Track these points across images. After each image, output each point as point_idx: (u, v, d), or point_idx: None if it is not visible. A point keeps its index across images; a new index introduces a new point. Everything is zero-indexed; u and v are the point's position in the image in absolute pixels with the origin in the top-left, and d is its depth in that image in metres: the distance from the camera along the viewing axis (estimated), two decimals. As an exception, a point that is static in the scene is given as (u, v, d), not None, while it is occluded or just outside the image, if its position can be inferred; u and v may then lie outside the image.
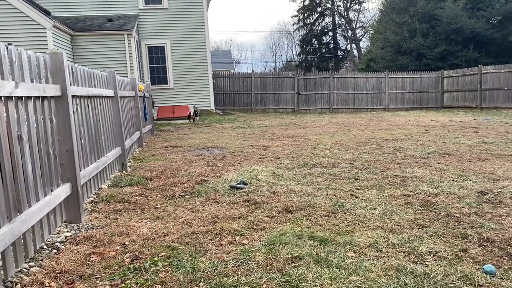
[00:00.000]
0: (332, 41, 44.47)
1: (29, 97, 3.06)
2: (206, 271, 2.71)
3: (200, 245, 3.19)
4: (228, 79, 22.06)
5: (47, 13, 12.94)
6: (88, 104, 4.77)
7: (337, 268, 2.72)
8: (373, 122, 14.20)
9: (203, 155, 7.66)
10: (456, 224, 3.53)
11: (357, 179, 5.30)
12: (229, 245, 3.17)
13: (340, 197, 4.44)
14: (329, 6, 43.45)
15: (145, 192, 4.91)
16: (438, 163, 6.24)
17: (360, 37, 45.53)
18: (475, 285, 2.49)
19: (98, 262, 2.89)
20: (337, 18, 44.34)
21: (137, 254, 3.02)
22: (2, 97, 2.66)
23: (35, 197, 3.06)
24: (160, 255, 2.99)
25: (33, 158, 3.06)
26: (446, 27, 23.55)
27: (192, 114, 14.71)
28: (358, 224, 3.58)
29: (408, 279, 2.55)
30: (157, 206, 4.32)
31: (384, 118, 15.85)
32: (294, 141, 9.36)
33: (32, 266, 2.81)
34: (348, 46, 45.80)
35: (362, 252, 2.98)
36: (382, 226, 3.52)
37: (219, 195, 4.65)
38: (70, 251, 3.08)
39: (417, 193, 4.54)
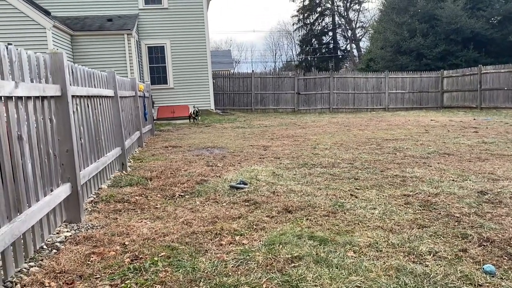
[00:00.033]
0: (332, 41, 44.48)
1: (29, 97, 3.06)
2: (206, 271, 2.71)
3: (200, 245, 3.19)
4: (228, 79, 22.06)
5: (47, 13, 12.93)
6: (88, 104, 4.77)
7: (337, 268, 2.72)
8: (373, 122, 14.21)
9: (203, 155, 7.66)
10: (456, 224, 3.54)
11: (357, 179, 5.30)
12: (229, 245, 3.18)
13: (340, 197, 4.44)
14: (329, 6, 43.45)
15: (145, 192, 4.91)
16: (438, 163, 6.24)
17: (360, 37, 45.57)
18: (475, 285, 2.49)
19: (98, 262, 2.89)
20: (337, 18, 44.37)
21: (137, 254, 3.02)
22: (2, 97, 2.66)
23: (35, 197, 3.06)
24: (160, 255, 2.99)
25: (33, 158, 3.06)
26: (446, 27, 23.56)
27: (192, 114, 14.67)
28: (358, 224, 3.58)
29: (408, 279, 2.55)
30: (157, 206, 4.32)
31: (384, 118, 15.85)
32: (294, 141, 9.36)
33: (32, 266, 2.81)
34: (348, 46, 45.82)
35: (362, 252, 2.98)
36: (382, 226, 3.52)
37: (219, 195, 4.65)
38: (70, 251, 3.08)
39: (417, 193, 4.54)
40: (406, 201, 4.23)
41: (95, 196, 4.69)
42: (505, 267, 2.71)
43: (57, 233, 3.46)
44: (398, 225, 3.53)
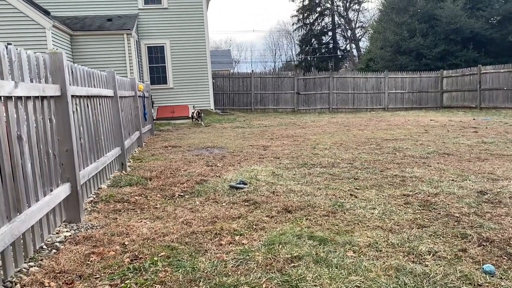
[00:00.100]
0: (332, 41, 44.47)
1: (28, 97, 3.06)
2: (205, 271, 2.71)
3: (199, 245, 3.19)
4: (228, 79, 22.06)
5: (46, 13, 12.93)
6: (87, 104, 4.77)
7: (336, 268, 2.72)
8: (372, 122, 14.21)
9: (203, 155, 7.66)
10: (455, 224, 3.54)
11: (356, 179, 5.30)
12: (229, 245, 3.18)
13: (339, 197, 4.44)
14: (329, 6, 43.44)
15: (144, 192, 4.91)
16: (438, 163, 6.25)
17: (360, 37, 45.57)
18: (474, 285, 2.49)
19: (97, 262, 2.89)
20: (336, 18, 44.36)
21: (136, 254, 3.02)
22: (2, 97, 2.66)
23: (35, 197, 3.06)
24: (159, 255, 2.99)
25: (32, 158, 3.06)
26: (445, 27, 23.56)
27: (195, 115, 14.53)
28: (358, 224, 3.58)
29: (407, 279, 2.55)
30: (156, 206, 4.32)
31: (383, 118, 15.85)
32: (293, 141, 9.36)
33: (32, 266, 2.81)
34: (348, 46, 45.82)
35: (362, 252, 2.98)
36: (382, 226, 3.52)
37: (218, 195, 4.65)
38: (70, 251, 3.08)
39: (417, 193, 4.54)
40: (406, 201, 4.24)
41: (94, 196, 4.69)
42: (505, 267, 2.71)
43: (57, 233, 3.46)
44: (397, 225, 3.53)
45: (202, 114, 14.80)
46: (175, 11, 17.82)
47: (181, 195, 4.73)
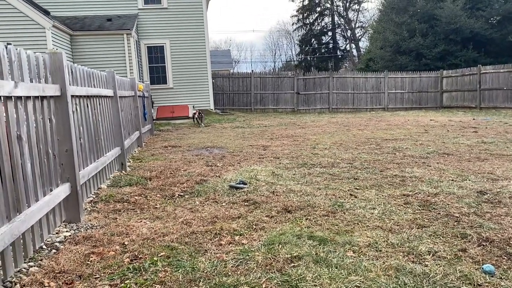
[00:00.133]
0: (332, 41, 44.48)
1: (28, 97, 3.06)
2: (205, 271, 2.71)
3: (199, 245, 3.19)
4: (228, 79, 22.05)
5: (46, 12, 12.92)
6: (87, 104, 4.77)
7: (336, 268, 2.72)
8: (372, 122, 14.21)
9: (203, 155, 7.66)
10: (455, 224, 3.54)
11: (356, 179, 5.31)
12: (229, 245, 3.18)
13: (339, 197, 4.44)
14: (329, 6, 43.44)
15: (144, 192, 4.90)
16: (438, 163, 6.25)
17: (360, 37, 45.57)
18: (474, 285, 2.49)
19: (97, 262, 2.89)
20: (336, 18, 44.36)
21: (136, 254, 3.02)
22: (2, 97, 2.66)
23: (35, 197, 3.06)
24: (159, 255, 2.99)
25: (32, 158, 3.06)
26: (445, 27, 23.57)
27: (197, 116, 14.40)
28: (358, 224, 3.58)
29: (407, 279, 2.55)
30: (156, 206, 4.32)
31: (383, 118, 15.86)
32: (293, 141, 9.36)
33: (32, 266, 2.80)
34: (348, 46, 45.82)
35: (362, 252, 2.98)
36: (382, 226, 3.52)
37: (218, 195, 4.65)
38: (70, 251, 3.08)
39: (417, 193, 4.54)
40: (406, 201, 4.24)
41: (94, 196, 4.69)
42: (504, 266, 2.72)
43: (57, 233, 3.46)
44: (397, 225, 3.53)
45: (203, 115, 14.75)
46: (175, 11, 17.82)
47: (181, 195, 4.73)
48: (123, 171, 6.17)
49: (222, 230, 3.47)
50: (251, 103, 21.79)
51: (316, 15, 43.50)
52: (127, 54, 15.35)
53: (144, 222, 3.79)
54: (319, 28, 44.00)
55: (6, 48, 2.73)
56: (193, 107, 17.60)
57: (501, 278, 2.57)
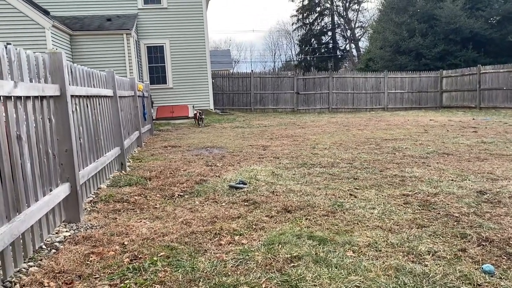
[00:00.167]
0: (331, 41, 44.47)
1: (28, 97, 3.06)
2: (205, 271, 2.71)
3: (199, 245, 3.19)
4: (227, 79, 22.05)
5: (46, 12, 12.92)
6: (87, 104, 4.77)
7: (336, 267, 2.72)
8: (372, 122, 14.21)
9: (202, 155, 7.66)
10: (455, 223, 3.54)
11: (356, 178, 5.31)
12: (228, 245, 3.18)
13: (339, 197, 4.44)
14: (328, 6, 43.44)
15: (144, 192, 4.90)
16: (437, 163, 6.25)
17: (359, 37, 45.58)
18: (474, 285, 2.49)
19: (97, 262, 2.89)
20: (336, 18, 44.35)
21: (136, 254, 3.02)
22: (1, 97, 2.66)
23: (34, 197, 3.06)
24: (159, 255, 2.99)
25: (32, 158, 3.06)
26: (445, 27, 23.57)
27: (198, 116, 14.28)
28: (357, 223, 3.58)
29: (407, 279, 2.55)
30: (156, 206, 4.32)
31: (383, 118, 15.86)
32: (293, 141, 9.36)
33: (31, 266, 2.80)
34: (347, 46, 45.83)
35: (361, 251, 2.98)
36: (381, 225, 3.52)
37: (218, 195, 4.65)
38: (69, 251, 3.07)
39: (416, 192, 4.54)
40: (405, 201, 4.24)
41: (94, 196, 4.69)
42: (504, 266, 2.72)
43: (56, 233, 3.46)
44: (397, 225, 3.53)
45: (202, 114, 14.70)
46: (175, 11, 17.81)
47: (180, 195, 4.73)
48: (123, 171, 6.17)
49: (222, 230, 3.47)
50: (250, 103, 21.78)
51: (316, 15, 43.50)
52: (126, 54, 15.34)
53: (144, 222, 3.79)
54: (318, 28, 44.00)
55: (6, 48, 2.72)
56: (193, 107, 17.60)
57: (500, 278, 2.57)
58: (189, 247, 3.13)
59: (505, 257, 2.85)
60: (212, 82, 19.41)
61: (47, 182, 3.34)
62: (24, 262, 2.83)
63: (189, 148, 8.55)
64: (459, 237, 3.24)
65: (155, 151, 8.26)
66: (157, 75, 18.10)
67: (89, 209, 4.24)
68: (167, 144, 9.23)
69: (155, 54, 18.01)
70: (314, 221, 3.66)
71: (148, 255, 2.98)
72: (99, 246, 3.17)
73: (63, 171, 3.70)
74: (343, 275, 2.61)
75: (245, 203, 4.29)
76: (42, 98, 3.37)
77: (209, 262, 2.84)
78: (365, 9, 72.47)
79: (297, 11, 43.75)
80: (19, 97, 2.90)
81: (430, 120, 14.38)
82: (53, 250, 3.11)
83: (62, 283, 2.60)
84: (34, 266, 2.82)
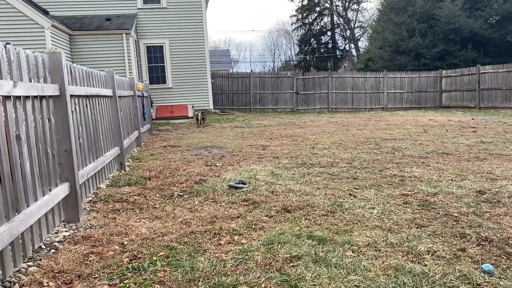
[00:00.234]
0: (331, 41, 44.48)
1: (27, 97, 3.06)
2: (204, 271, 2.71)
3: (198, 244, 3.19)
4: (227, 78, 22.05)
5: (45, 12, 12.91)
6: (86, 104, 4.77)
7: (335, 267, 2.72)
8: (371, 121, 14.22)
9: (202, 154, 7.66)
10: (454, 223, 3.54)
11: (355, 178, 5.31)
12: (228, 244, 3.17)
13: (338, 197, 4.44)
14: (328, 5, 43.45)
15: (143, 191, 4.90)
16: (437, 162, 6.25)
17: (359, 37, 45.59)
18: (473, 285, 2.49)
19: (96, 262, 2.89)
20: (335, 18, 44.36)
21: (135, 253, 3.02)
22: (0, 97, 2.65)
23: (34, 196, 3.06)
24: (158, 254, 2.99)
25: (31, 157, 3.06)
26: (444, 27, 23.58)
27: (200, 117, 14.11)
28: (357, 223, 3.59)
29: (406, 279, 2.56)
30: (155, 206, 4.32)
31: (382, 118, 15.86)
32: (292, 140, 9.36)
33: (31, 266, 2.80)
34: (347, 46, 45.83)
35: (361, 251, 2.98)
36: (381, 225, 3.52)
37: (217, 195, 4.65)
38: (69, 250, 3.07)
39: (416, 192, 4.54)
40: (405, 201, 4.24)
41: (93, 196, 4.68)
42: (504, 266, 2.72)
43: (56, 232, 3.46)
44: (396, 225, 3.53)
45: (205, 113, 14.51)
46: (174, 10, 17.81)
47: (180, 195, 4.73)
48: (122, 171, 6.17)
49: (221, 230, 3.47)
50: (250, 103, 21.78)
51: (315, 15, 43.50)
52: (126, 54, 15.34)
53: (143, 222, 3.79)
54: (318, 28, 44.01)
55: (5, 47, 2.72)
56: (192, 106, 17.60)
57: (500, 277, 2.57)
58: (189, 247, 3.13)
59: (505, 257, 2.86)
60: (212, 82, 19.41)
61: (46, 182, 3.34)
62: (24, 262, 2.83)
63: (188, 148, 8.55)
64: (458, 236, 3.24)
65: (154, 151, 8.26)
66: (157, 75, 18.09)
67: (88, 209, 4.24)
68: (167, 144, 9.23)
69: (155, 54, 18.00)
70: (314, 221, 3.66)
71: (148, 255, 2.98)
72: (98, 246, 3.16)
73: (62, 171, 3.70)
74: (342, 275, 2.61)
75: (245, 203, 4.29)
76: (42, 98, 3.36)
77: (208, 262, 2.84)
78: (365, 9, 72.40)
79: (296, 11, 43.78)
80: (18, 97, 2.90)
81: (430, 120, 14.38)
82: (53, 250, 3.11)
83: (61, 283, 2.59)
84: (33, 266, 2.81)
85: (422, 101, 22.17)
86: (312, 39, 44.05)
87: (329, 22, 44.11)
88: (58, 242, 3.27)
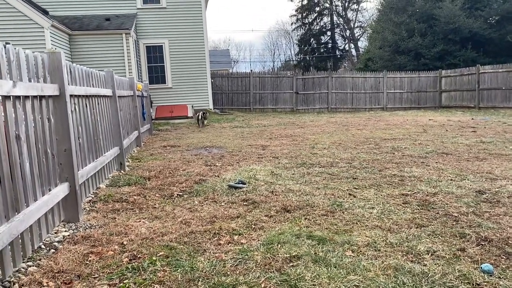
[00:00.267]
0: (331, 41, 44.48)
1: (27, 97, 3.06)
2: (204, 271, 2.71)
3: (198, 244, 3.19)
4: (227, 78, 22.05)
5: (45, 12, 12.90)
6: (86, 104, 4.76)
7: (335, 267, 2.72)
8: (371, 121, 14.22)
9: (202, 154, 7.66)
10: (454, 223, 3.54)
11: (355, 178, 5.31)
12: (228, 244, 3.17)
13: (338, 197, 4.44)
14: (327, 5, 43.46)
15: (143, 191, 4.90)
16: (436, 162, 6.26)
17: (358, 37, 45.60)
18: (473, 284, 2.49)
19: (96, 262, 2.88)
20: (335, 18, 44.37)
21: (135, 253, 3.02)
22: (0, 96, 2.65)
23: (33, 196, 3.06)
24: (158, 254, 2.99)
25: (31, 157, 3.05)
26: (444, 26, 23.58)
27: (201, 117, 14.05)
28: (356, 223, 3.59)
29: (406, 278, 2.56)
30: (155, 206, 4.31)
31: (382, 118, 15.87)
32: (292, 140, 9.36)
33: (30, 266, 2.80)
34: (347, 45, 45.83)
35: (360, 251, 2.98)
36: (380, 225, 3.52)
37: (217, 195, 4.65)
38: (68, 250, 3.07)
39: (415, 192, 4.55)
40: (404, 201, 4.24)
41: (93, 196, 4.68)
42: (503, 266, 2.72)
43: (55, 232, 3.45)
44: (396, 225, 3.53)
45: (206, 113, 14.44)
46: (174, 10, 17.80)
47: (179, 195, 4.73)
48: (122, 171, 6.17)
49: (221, 230, 3.47)
50: (250, 102, 21.78)
51: (315, 14, 43.51)
52: (125, 54, 15.33)
53: (143, 221, 3.79)
54: (318, 28, 44.01)
55: (5, 47, 2.72)
56: (192, 106, 17.59)
57: (499, 277, 2.57)
58: (188, 247, 3.13)
59: (504, 257, 2.86)
60: (211, 81, 19.41)
61: (46, 181, 3.34)
62: (23, 262, 2.83)
63: (188, 148, 8.55)
64: (458, 236, 3.24)
65: (154, 151, 8.26)
66: (156, 75, 18.09)
67: (88, 209, 4.24)
68: (166, 144, 9.23)
69: (154, 54, 18.00)
70: (313, 221, 3.66)
71: (147, 255, 2.98)
72: (98, 246, 3.16)
73: (62, 171, 3.70)
74: (342, 275, 2.61)
75: (244, 203, 4.29)
76: (41, 97, 3.36)
77: (208, 262, 2.84)
78: (364, 9, 72.41)
79: (296, 11, 43.80)
80: (18, 97, 2.90)
81: (429, 120, 14.39)
82: (52, 250, 3.11)
83: (61, 283, 2.59)
84: (33, 266, 2.81)
85: (421, 101, 22.17)
86: (312, 39, 44.06)
87: (329, 22, 44.13)
88: (58, 242, 3.27)
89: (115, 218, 3.92)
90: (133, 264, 2.84)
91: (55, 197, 3.40)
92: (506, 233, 3.25)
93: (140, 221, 3.81)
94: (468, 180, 5.05)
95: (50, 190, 3.40)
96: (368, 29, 37.90)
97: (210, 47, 33.71)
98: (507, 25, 22.97)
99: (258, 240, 3.22)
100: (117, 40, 15.31)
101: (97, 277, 2.68)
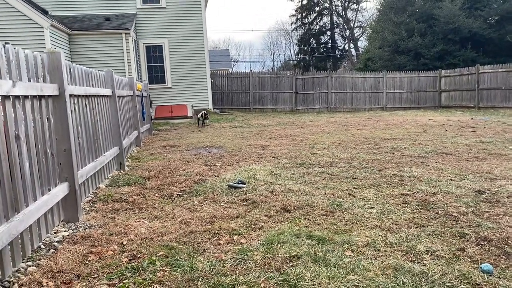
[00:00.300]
0: (330, 41, 44.48)
1: (26, 96, 3.06)
2: (204, 271, 2.71)
3: (198, 244, 3.19)
4: (226, 78, 22.04)
5: (44, 12, 12.90)
6: (85, 104, 4.76)
7: (335, 267, 2.72)
8: (371, 121, 14.22)
9: (201, 154, 7.66)
10: (453, 223, 3.54)
11: (355, 178, 5.31)
12: (227, 244, 3.17)
13: (338, 197, 4.44)
14: (327, 5, 43.46)
15: (143, 191, 4.90)
16: (436, 162, 6.26)
17: (358, 37, 45.60)
18: (472, 284, 2.49)
19: (96, 262, 2.88)
20: (335, 18, 44.37)
21: (135, 253, 3.02)
22: (0, 96, 2.65)
23: (33, 196, 3.05)
24: (158, 254, 2.99)
25: (30, 157, 3.05)
26: (444, 26, 23.59)
27: (201, 117, 13.97)
28: (356, 223, 3.59)
29: (405, 278, 2.56)
30: (155, 206, 4.31)
31: (382, 118, 15.87)
32: (292, 140, 9.36)
33: (30, 266, 2.80)
34: (346, 45, 45.84)
35: (360, 251, 2.98)
36: (380, 225, 3.52)
37: (217, 195, 4.65)
38: (68, 250, 3.07)
39: (415, 192, 4.55)
40: (404, 201, 4.24)
41: (93, 196, 4.68)
42: (503, 266, 2.72)
43: (55, 232, 3.45)
44: (396, 224, 3.53)
45: (207, 114, 14.39)
46: (174, 10, 17.80)
47: (179, 195, 4.73)
48: (122, 171, 6.16)
49: (220, 230, 3.47)
50: (249, 102, 21.78)
51: (315, 14, 43.52)
52: (125, 54, 15.33)
53: (143, 221, 3.79)
54: (317, 27, 44.02)
55: (4, 47, 2.72)
56: (192, 106, 17.59)
57: (499, 277, 2.57)
58: (188, 247, 3.13)
59: (504, 256, 2.86)
60: (211, 81, 19.41)
61: (45, 181, 3.34)
62: (23, 262, 2.83)
63: (188, 148, 8.55)
64: (457, 236, 3.24)
65: (154, 151, 8.26)
66: (156, 75, 18.09)
67: (87, 208, 4.24)
68: (166, 144, 9.23)
69: (154, 54, 17.99)
70: (313, 221, 3.66)
71: (147, 255, 2.98)
72: (97, 246, 3.16)
73: (61, 171, 3.70)
74: (342, 275, 2.61)
75: (244, 203, 4.29)
76: (41, 97, 3.36)
77: (208, 262, 2.84)
78: (364, 9, 72.46)
79: (296, 10, 43.80)
80: (17, 97, 2.90)
81: (429, 119, 14.39)
82: (52, 250, 3.11)
83: (60, 282, 2.59)
84: (32, 265, 2.81)
85: (421, 101, 22.18)
86: (312, 39, 44.06)
87: (329, 22, 44.13)
88: (57, 242, 3.27)
89: (114, 218, 3.92)
90: (133, 264, 2.84)
91: (54, 197, 3.40)
92: (506, 233, 3.25)
93: (139, 221, 3.81)
94: (467, 180, 5.05)
95: (49, 190, 3.40)
96: (368, 29, 37.90)
97: (209, 47, 33.72)
98: (506, 25, 22.98)
99: (258, 240, 3.22)
100: (116, 40, 15.31)
101: (96, 277, 2.68)
